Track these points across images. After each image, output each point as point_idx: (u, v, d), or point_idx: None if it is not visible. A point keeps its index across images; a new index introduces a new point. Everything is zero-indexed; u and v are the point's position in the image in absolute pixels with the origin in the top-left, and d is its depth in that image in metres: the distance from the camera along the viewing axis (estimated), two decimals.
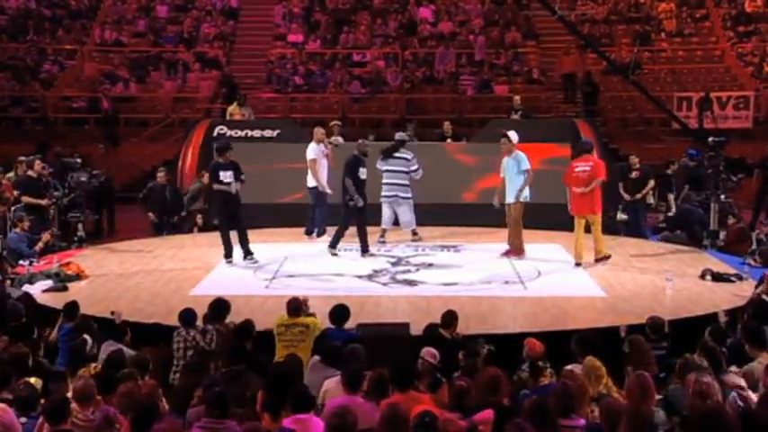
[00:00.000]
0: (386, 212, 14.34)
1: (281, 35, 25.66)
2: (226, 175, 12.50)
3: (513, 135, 13.07)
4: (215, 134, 16.98)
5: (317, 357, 8.00)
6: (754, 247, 13.56)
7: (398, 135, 14.91)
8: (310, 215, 14.58)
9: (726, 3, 25.92)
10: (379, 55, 24.75)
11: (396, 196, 14.23)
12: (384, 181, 14.29)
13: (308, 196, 14.54)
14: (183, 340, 8.55)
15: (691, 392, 6.22)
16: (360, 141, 13.92)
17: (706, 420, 5.22)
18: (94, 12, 26.51)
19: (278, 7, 26.28)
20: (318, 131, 14.42)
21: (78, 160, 15.57)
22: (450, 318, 8.67)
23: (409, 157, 14.33)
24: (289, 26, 25.81)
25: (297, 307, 8.90)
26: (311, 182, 14.26)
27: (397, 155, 14.29)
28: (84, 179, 14.81)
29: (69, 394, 6.74)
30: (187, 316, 8.82)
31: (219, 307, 8.98)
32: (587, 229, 12.70)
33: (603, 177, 12.70)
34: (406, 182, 14.24)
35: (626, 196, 15.69)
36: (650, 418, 5.87)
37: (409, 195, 14.26)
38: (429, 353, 7.54)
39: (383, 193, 14.29)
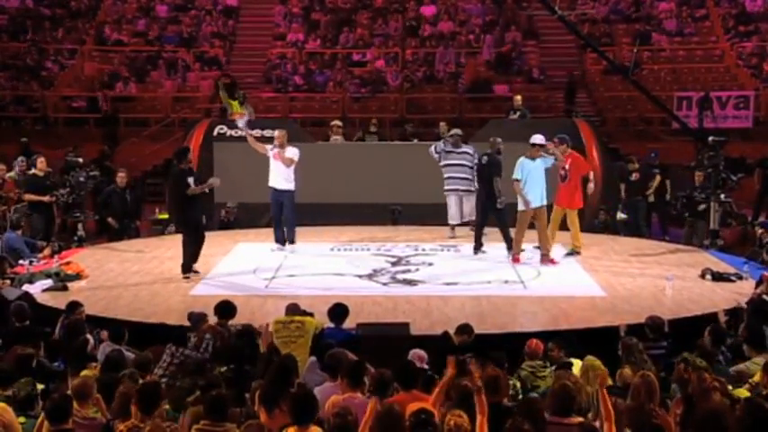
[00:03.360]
0: (453, 207, 14.48)
1: (281, 35, 25.66)
2: (191, 181, 11.94)
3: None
4: (215, 134, 17.04)
5: (313, 358, 8.03)
6: (756, 247, 13.56)
7: (455, 130, 14.97)
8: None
9: (726, 3, 25.91)
10: (379, 55, 24.75)
11: (467, 190, 14.34)
12: (451, 175, 14.45)
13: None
14: (171, 355, 8.24)
15: (691, 392, 6.23)
16: (492, 139, 13.68)
17: (707, 420, 5.22)
18: (94, 12, 26.48)
19: (278, 7, 26.29)
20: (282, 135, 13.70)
21: (80, 159, 15.55)
22: (463, 329, 8.62)
23: (471, 151, 14.46)
24: (289, 26, 25.81)
25: (294, 309, 8.96)
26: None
27: (459, 150, 14.43)
28: (82, 179, 14.80)
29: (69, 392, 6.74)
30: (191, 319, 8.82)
31: (224, 309, 8.99)
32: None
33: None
34: (471, 176, 14.33)
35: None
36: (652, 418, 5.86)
37: (473, 189, 14.31)
38: (416, 355, 7.57)
39: (450, 187, 14.45)
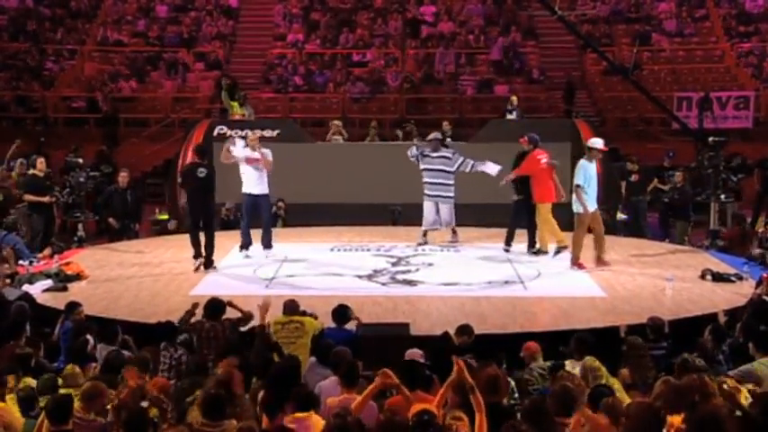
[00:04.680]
0: (429, 213, 14.06)
1: (281, 35, 25.66)
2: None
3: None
4: (215, 134, 17.02)
5: (313, 358, 8.01)
6: (756, 247, 13.57)
7: (434, 135, 14.51)
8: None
9: (726, 3, 25.92)
10: (379, 55, 24.75)
11: (438, 196, 13.94)
12: (427, 180, 14.01)
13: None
14: (170, 358, 8.35)
15: (690, 393, 6.22)
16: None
17: (707, 421, 5.21)
18: (94, 12, 26.50)
19: (278, 7, 26.29)
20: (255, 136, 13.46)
21: (80, 160, 15.53)
22: (463, 330, 8.61)
23: (449, 155, 14.01)
24: (289, 26, 25.81)
25: (293, 307, 8.92)
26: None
27: (436, 154, 13.98)
28: (81, 179, 14.79)
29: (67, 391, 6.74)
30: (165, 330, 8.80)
31: (214, 307, 8.99)
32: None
33: None
34: (449, 181, 13.95)
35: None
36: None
37: (451, 195, 13.96)
38: (416, 354, 7.58)
39: (426, 192, 14.03)
